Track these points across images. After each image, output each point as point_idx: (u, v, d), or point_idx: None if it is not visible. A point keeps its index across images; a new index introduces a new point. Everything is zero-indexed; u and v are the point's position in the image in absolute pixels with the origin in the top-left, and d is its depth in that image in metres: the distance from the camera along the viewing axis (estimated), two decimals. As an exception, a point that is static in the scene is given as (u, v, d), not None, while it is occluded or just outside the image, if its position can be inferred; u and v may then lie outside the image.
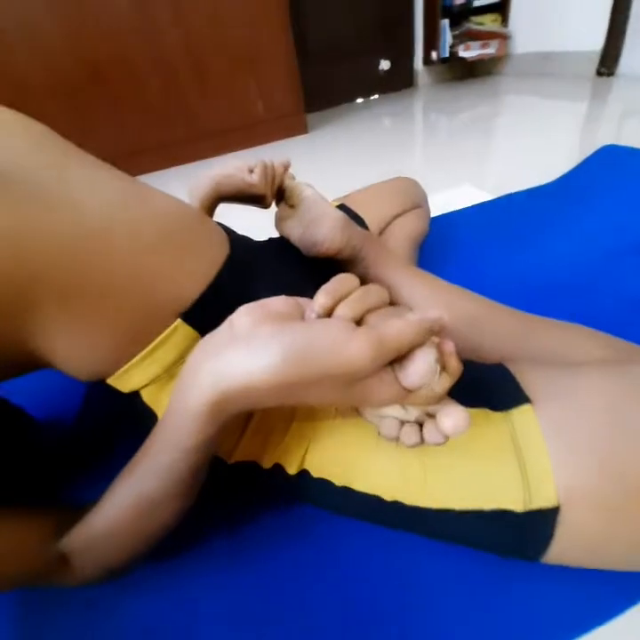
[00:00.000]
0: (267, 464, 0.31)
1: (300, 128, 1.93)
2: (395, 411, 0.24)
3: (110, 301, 0.25)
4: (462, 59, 2.18)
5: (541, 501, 0.23)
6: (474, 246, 0.73)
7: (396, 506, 0.27)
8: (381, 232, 0.62)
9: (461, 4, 2.09)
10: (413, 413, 0.24)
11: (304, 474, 0.31)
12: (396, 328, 0.19)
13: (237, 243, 0.38)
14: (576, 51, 1.84)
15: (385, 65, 2.41)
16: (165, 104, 1.69)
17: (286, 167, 0.47)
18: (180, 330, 0.28)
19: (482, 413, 0.27)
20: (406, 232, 0.60)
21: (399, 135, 1.75)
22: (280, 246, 0.47)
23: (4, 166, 0.23)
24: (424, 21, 2.27)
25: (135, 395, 0.29)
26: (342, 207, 0.57)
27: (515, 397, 0.27)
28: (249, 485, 0.34)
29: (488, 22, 2.12)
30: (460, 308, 0.39)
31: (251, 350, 0.19)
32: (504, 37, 2.12)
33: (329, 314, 0.21)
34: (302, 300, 0.22)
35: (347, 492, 0.29)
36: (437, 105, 2.09)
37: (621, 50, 1.70)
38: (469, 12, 2.13)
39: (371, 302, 0.22)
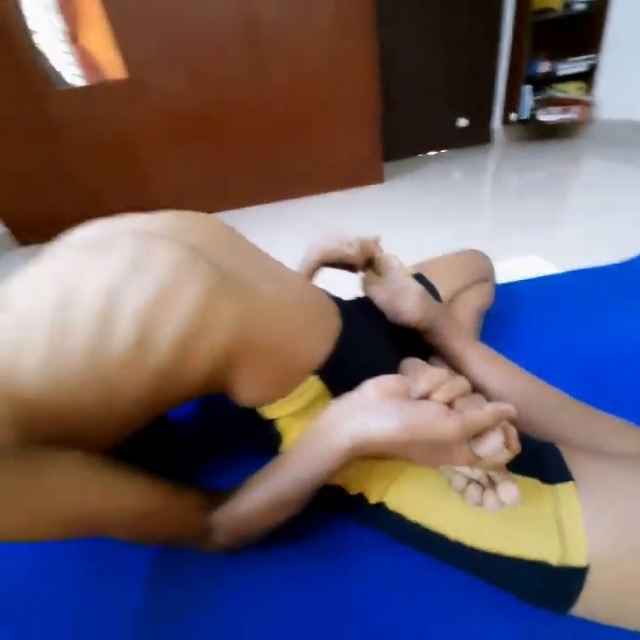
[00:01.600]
0: (353, 491, 0.41)
1: (377, 177, 2.09)
2: (464, 470, 0.33)
3: (276, 358, 0.37)
4: (542, 122, 2.24)
5: (574, 560, 0.31)
6: (533, 320, 0.79)
7: (457, 544, 0.35)
8: (451, 301, 0.71)
9: (546, 72, 2.18)
10: (478, 474, 0.33)
11: (381, 505, 0.40)
12: (479, 416, 0.28)
13: (342, 307, 0.49)
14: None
15: (462, 122, 2.54)
16: (263, 147, 1.94)
17: (377, 242, 0.59)
18: (315, 384, 0.39)
19: (533, 483, 0.35)
20: (473, 304, 0.69)
21: (471, 192, 1.84)
22: (367, 306, 0.58)
23: (229, 267, 0.37)
24: (506, 85, 2.38)
25: (269, 421, 0.41)
26: (419, 276, 0.67)
27: (561, 474, 0.35)
28: (335, 504, 0.44)
29: (572, 90, 2.18)
30: (520, 387, 0.47)
31: (379, 418, 0.30)
32: (587, 105, 2.16)
33: (427, 396, 0.31)
34: (409, 381, 0.33)
35: (417, 526, 0.38)
36: (512, 164, 2.16)
37: None
38: (554, 79, 2.21)
39: (457, 390, 0.31)
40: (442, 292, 0.67)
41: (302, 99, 1.84)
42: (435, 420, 0.29)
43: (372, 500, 0.40)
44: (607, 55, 2.07)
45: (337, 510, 0.46)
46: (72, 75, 1.66)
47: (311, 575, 0.43)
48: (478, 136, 2.63)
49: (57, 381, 0.31)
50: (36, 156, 1.82)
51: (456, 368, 0.53)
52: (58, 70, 1.66)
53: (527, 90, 2.23)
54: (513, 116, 2.36)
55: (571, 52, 2.14)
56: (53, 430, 0.32)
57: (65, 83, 1.68)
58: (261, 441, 0.44)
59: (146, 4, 1.56)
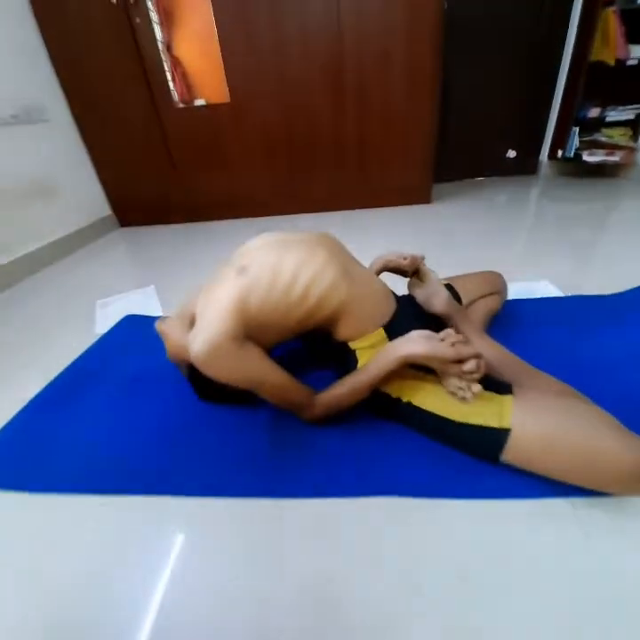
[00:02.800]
0: (395, 395, 0.73)
1: (425, 198, 2.39)
2: (456, 381, 0.66)
3: (364, 317, 0.72)
4: (585, 161, 2.45)
5: (504, 424, 0.61)
6: (532, 329, 1.07)
7: (446, 420, 0.66)
8: (469, 305, 1.01)
9: (595, 117, 2.39)
10: (463, 383, 0.65)
11: (410, 403, 0.72)
12: (465, 350, 0.61)
13: (396, 296, 0.83)
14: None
15: (511, 154, 2.79)
16: (332, 167, 2.29)
17: (423, 258, 0.91)
18: (381, 332, 0.73)
19: (490, 393, 0.66)
20: (483, 309, 0.99)
21: (510, 217, 2.09)
22: (412, 300, 0.90)
23: (344, 264, 0.71)
24: (556, 124, 2.61)
25: (353, 351, 0.75)
26: (449, 286, 0.98)
27: (506, 390, 0.66)
28: (381, 406, 0.77)
29: (617, 135, 2.38)
30: (496, 353, 0.78)
31: (418, 343, 0.63)
32: (632, 150, 2.35)
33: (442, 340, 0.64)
34: (433, 333, 0.65)
35: (428, 413, 0.69)
36: (553, 196, 2.38)
37: None
38: (602, 123, 2.42)
39: (456, 338, 0.64)
40: (463, 298, 0.98)
41: (369, 130, 2.17)
42: (442, 347, 0.61)
43: (405, 399, 0.72)
44: (655, 106, 2.26)
45: (381, 411, 0.79)
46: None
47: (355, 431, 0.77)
48: (525, 167, 2.86)
49: (265, 308, 0.66)
50: (146, 153, 2.26)
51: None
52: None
53: (575, 131, 2.44)
54: (559, 153, 2.58)
55: (620, 100, 2.34)
56: (255, 333, 0.68)
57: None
58: (345, 365, 0.78)
59: (252, 30, 1.93)
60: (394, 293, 0.87)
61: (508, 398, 0.64)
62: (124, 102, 2.12)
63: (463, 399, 0.65)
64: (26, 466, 0.78)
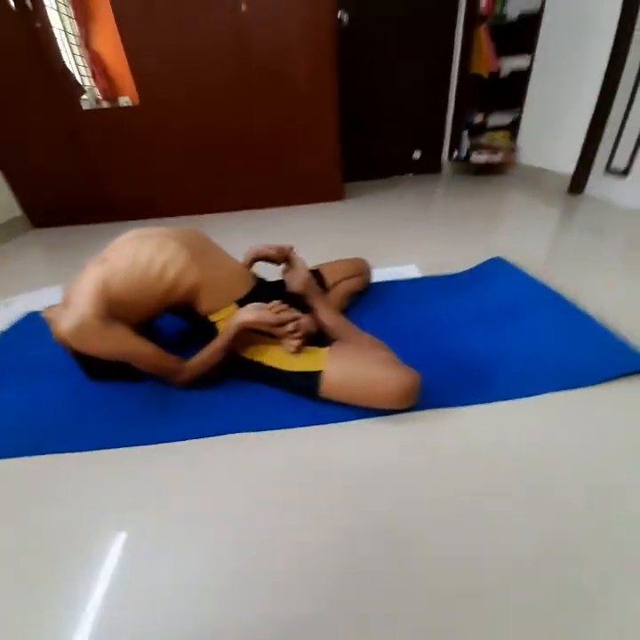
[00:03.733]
0: (248, 356, 0.89)
1: (337, 195, 2.60)
2: (287, 340, 0.83)
3: (217, 294, 0.88)
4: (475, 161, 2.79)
5: (319, 368, 0.80)
6: (388, 304, 1.28)
7: (280, 370, 0.84)
8: (335, 285, 1.20)
9: (480, 122, 2.72)
10: (295, 343, 0.83)
11: (258, 362, 0.88)
12: (285, 315, 0.79)
13: (258, 280, 0.99)
14: (556, 171, 2.39)
15: (417, 154, 3.08)
16: (243, 164, 2.43)
17: (291, 248, 1.07)
18: (234, 307, 0.89)
19: (314, 347, 0.84)
20: (344, 287, 1.18)
21: (414, 211, 2.34)
22: (280, 284, 1.07)
23: (196, 251, 0.87)
24: (451, 128, 2.93)
25: (212, 323, 0.90)
26: (316, 271, 1.16)
27: (326, 344, 0.84)
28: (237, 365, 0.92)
29: (499, 138, 2.73)
30: (334, 321, 0.96)
31: (249, 313, 0.80)
32: (512, 150, 2.71)
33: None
34: (263, 305, 0.82)
35: (269, 368, 0.86)
36: (450, 191, 2.69)
37: (587, 178, 2.22)
38: (486, 128, 2.76)
39: (281, 308, 0.81)
40: (329, 279, 1.16)
41: (278, 128, 2.34)
42: (267, 315, 0.79)
43: (254, 358, 0.88)
44: (527, 113, 2.62)
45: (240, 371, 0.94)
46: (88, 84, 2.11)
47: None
48: (430, 167, 3.17)
49: (126, 289, 0.80)
50: (58, 153, 2.27)
51: (314, 316, 1.02)
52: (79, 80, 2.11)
53: (465, 134, 2.77)
54: (455, 154, 2.90)
55: (500, 107, 2.69)
56: (121, 311, 0.81)
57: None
58: (208, 335, 0.93)
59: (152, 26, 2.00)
60: (255, 276, 1.03)
61: (324, 350, 0.83)
62: (33, 106, 2.12)
63: (293, 353, 0.82)
64: None
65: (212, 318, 0.91)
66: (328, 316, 0.98)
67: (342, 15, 2.37)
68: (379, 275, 1.38)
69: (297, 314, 0.81)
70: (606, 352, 0.94)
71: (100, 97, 2.52)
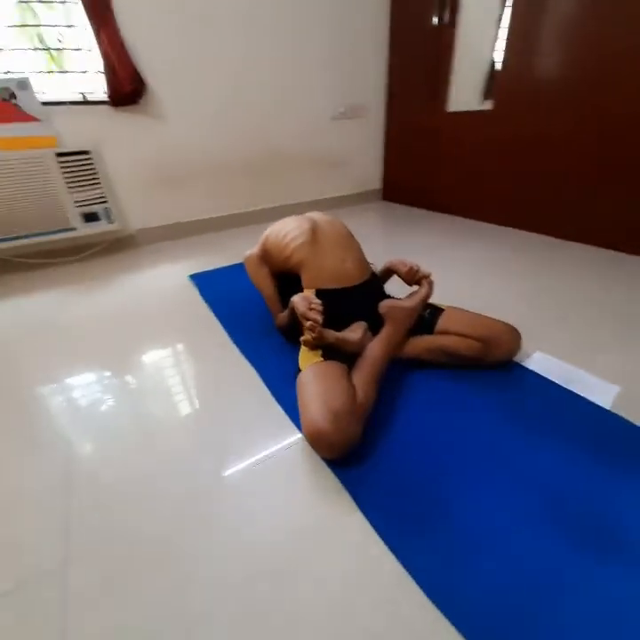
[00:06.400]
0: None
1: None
2: (307, 335, 0.88)
3: (316, 276, 1.01)
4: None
5: (301, 368, 0.87)
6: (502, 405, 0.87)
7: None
8: (439, 332, 0.98)
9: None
10: (307, 336, 0.88)
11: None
12: (311, 314, 0.87)
13: (369, 285, 1.05)
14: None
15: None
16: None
17: (426, 275, 1.02)
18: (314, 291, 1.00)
19: (315, 352, 0.88)
20: (441, 342, 0.97)
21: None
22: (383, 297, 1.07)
23: (318, 240, 1.05)
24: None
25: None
26: (438, 308, 1.01)
27: (324, 357, 0.86)
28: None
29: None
30: (368, 353, 0.91)
31: (296, 296, 0.94)
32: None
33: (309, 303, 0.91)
34: (310, 297, 0.93)
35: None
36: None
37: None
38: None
39: (314, 305, 0.89)
40: (441, 324, 0.97)
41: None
42: (300, 304, 0.90)
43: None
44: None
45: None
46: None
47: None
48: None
49: (271, 245, 1.12)
50: (423, 146, 2.57)
51: (370, 337, 0.95)
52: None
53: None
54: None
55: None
56: (266, 259, 1.15)
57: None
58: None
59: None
60: (369, 283, 1.04)
61: (317, 357, 0.88)
62: (418, 107, 2.49)
63: (303, 342, 0.91)
64: None
65: (307, 288, 1.04)
66: (374, 345, 0.94)
67: None
68: (563, 372, 0.96)
69: (318, 318, 0.87)
70: None
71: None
